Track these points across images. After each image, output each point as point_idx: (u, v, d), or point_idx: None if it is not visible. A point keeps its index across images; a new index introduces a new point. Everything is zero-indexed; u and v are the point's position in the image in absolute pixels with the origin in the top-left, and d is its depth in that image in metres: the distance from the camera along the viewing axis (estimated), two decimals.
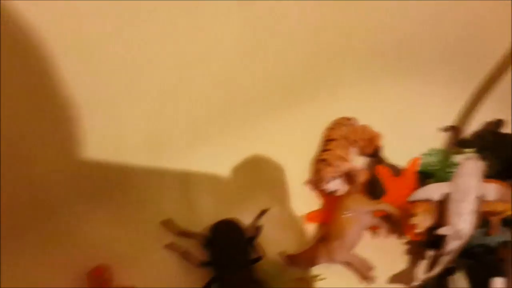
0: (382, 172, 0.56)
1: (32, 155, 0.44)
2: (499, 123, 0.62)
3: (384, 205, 0.53)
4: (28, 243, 0.47)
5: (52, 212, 0.48)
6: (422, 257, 0.52)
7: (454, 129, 0.63)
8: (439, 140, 0.63)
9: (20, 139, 0.43)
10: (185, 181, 0.54)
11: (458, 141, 0.62)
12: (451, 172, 0.54)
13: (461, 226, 0.49)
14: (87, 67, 0.43)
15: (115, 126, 0.49)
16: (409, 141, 0.61)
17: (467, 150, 0.60)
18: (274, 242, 0.52)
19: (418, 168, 0.57)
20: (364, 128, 0.59)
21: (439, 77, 0.65)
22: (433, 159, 0.60)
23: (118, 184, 0.51)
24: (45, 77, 0.41)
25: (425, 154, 0.60)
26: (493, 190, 0.50)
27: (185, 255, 0.49)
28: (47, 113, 0.43)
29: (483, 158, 0.55)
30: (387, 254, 0.54)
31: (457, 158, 0.57)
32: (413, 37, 0.62)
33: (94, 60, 0.43)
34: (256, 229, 0.52)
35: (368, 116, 0.61)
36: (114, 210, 0.50)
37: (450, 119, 0.64)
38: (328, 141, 0.58)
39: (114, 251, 0.48)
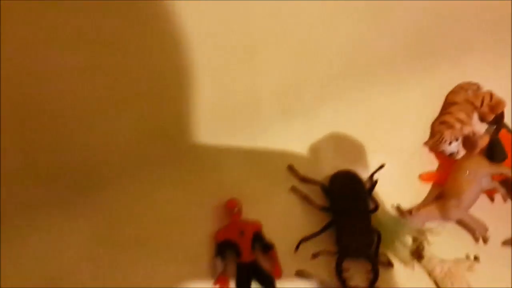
0: (506, 138, 0.56)
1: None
2: None
3: (504, 169, 0.53)
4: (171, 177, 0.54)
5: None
6: None
7: None
8: None
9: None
10: (310, 134, 0.58)
11: None
12: None
13: None
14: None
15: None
16: None
17: None
18: (389, 196, 0.55)
19: None
20: (488, 94, 0.59)
21: None
22: None
23: (252, 132, 0.56)
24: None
25: None
26: None
27: (306, 199, 0.54)
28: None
29: None
30: (503, 219, 0.54)
31: None
32: None
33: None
34: (373, 182, 0.55)
35: (494, 82, 0.61)
36: (248, 154, 0.56)
37: None
38: (450, 104, 0.60)
39: (246, 190, 0.53)
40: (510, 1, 0.61)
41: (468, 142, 0.57)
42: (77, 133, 0.49)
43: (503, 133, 0.57)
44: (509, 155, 0.56)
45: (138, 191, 0.53)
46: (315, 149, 0.58)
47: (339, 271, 0.49)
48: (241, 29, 0.50)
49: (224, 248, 0.49)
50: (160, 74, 0.49)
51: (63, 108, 0.47)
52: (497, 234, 0.53)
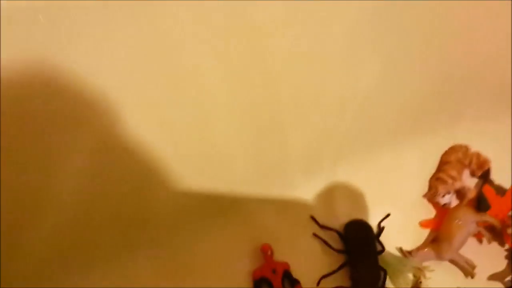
0: (488, 191, 0.69)
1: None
2: None
3: (487, 217, 0.66)
4: (211, 227, 0.68)
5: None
6: None
7: None
8: None
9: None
10: (328, 188, 0.72)
11: None
12: None
13: None
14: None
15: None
16: None
17: None
18: (393, 240, 0.68)
19: None
20: (476, 154, 0.72)
21: None
22: None
23: (281, 186, 0.70)
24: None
25: None
26: None
27: (325, 243, 0.67)
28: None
29: None
30: (488, 258, 0.66)
31: None
32: None
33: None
34: (380, 229, 0.68)
35: (483, 144, 0.74)
36: (278, 205, 0.70)
37: None
38: (444, 163, 0.72)
39: (276, 235, 0.67)
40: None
41: (459, 194, 0.69)
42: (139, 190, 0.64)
43: (486, 187, 0.69)
44: (494, 205, 0.68)
45: (182, 243, 0.68)
46: (332, 201, 0.72)
47: None
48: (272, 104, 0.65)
49: (260, 284, 0.63)
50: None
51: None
52: (483, 271, 0.65)
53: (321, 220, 0.68)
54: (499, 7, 0.66)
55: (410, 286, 0.63)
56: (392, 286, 0.63)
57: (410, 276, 0.64)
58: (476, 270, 0.64)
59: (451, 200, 0.69)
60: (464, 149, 0.73)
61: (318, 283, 0.63)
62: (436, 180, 0.71)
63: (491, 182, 0.71)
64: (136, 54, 0.50)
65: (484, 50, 0.70)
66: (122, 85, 0.51)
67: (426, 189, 0.72)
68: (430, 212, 0.71)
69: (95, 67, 0.48)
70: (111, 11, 0.46)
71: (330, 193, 0.72)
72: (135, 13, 0.47)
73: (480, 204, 0.68)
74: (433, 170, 0.73)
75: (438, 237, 0.66)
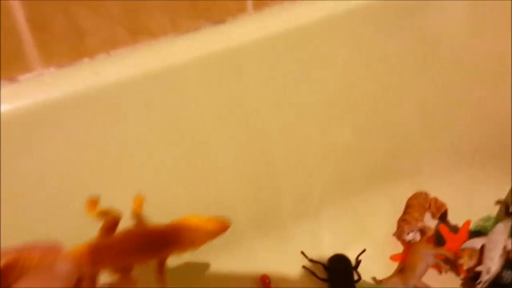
0: (443, 230, 0.85)
1: None
2: None
3: (443, 251, 0.81)
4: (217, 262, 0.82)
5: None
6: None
7: (503, 203, 0.89)
8: (493, 210, 0.90)
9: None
10: (315, 231, 0.87)
11: (506, 211, 0.88)
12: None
13: (492, 266, 0.76)
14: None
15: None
16: (470, 210, 0.88)
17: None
18: (368, 271, 0.83)
19: (470, 227, 0.85)
20: (434, 199, 0.89)
21: (491, 166, 0.92)
22: (485, 223, 0.86)
23: (275, 225, 0.85)
24: None
25: (481, 219, 0.87)
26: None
27: (313, 273, 0.82)
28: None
29: None
30: (446, 285, 0.81)
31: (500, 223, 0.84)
32: (468, 134, 0.91)
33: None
34: (357, 261, 0.83)
35: (440, 193, 0.90)
36: (275, 243, 0.84)
37: (503, 195, 0.91)
38: (408, 206, 0.88)
39: (274, 267, 0.82)
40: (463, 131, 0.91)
41: (421, 232, 0.85)
42: None
43: (443, 226, 0.85)
44: (449, 241, 0.84)
45: (189, 275, 0.82)
46: (318, 239, 0.87)
47: None
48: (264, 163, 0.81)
49: None
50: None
51: None
52: None
53: (309, 255, 0.83)
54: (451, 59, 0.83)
55: None
56: None
57: None
58: None
59: (415, 237, 0.84)
60: (424, 195, 0.89)
61: None
62: (402, 221, 0.86)
63: (447, 222, 0.87)
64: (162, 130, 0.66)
65: (437, 112, 0.88)
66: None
67: (395, 228, 0.88)
68: (398, 248, 0.86)
69: None
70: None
71: (316, 232, 0.87)
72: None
73: (437, 240, 0.83)
74: (400, 213, 0.89)
75: (404, 268, 0.81)
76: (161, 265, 0.38)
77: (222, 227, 0.43)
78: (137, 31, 0.61)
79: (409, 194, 0.90)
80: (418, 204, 0.88)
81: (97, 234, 0.39)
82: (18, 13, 0.55)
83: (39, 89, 0.59)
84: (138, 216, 0.42)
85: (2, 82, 0.58)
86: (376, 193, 0.91)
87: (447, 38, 0.78)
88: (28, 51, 0.58)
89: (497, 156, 0.93)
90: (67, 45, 0.59)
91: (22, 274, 0.30)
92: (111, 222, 0.39)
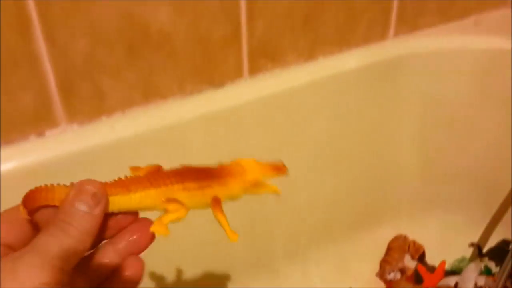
0: (421, 269, 0.93)
1: None
2: (506, 242, 0.96)
3: None
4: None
5: None
6: None
7: (476, 245, 0.98)
8: (467, 252, 0.98)
9: None
10: (305, 269, 0.95)
11: (479, 253, 0.97)
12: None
13: None
14: None
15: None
16: (446, 251, 0.97)
17: (483, 259, 0.95)
18: None
19: (445, 267, 0.93)
20: (413, 242, 0.97)
21: (465, 211, 1.01)
22: (460, 264, 0.95)
23: (268, 266, 0.93)
24: None
25: (456, 260, 0.96)
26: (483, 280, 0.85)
27: None
28: None
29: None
30: None
31: (471, 263, 0.92)
32: (452, 176, 1.01)
33: None
34: None
35: (418, 236, 0.99)
36: (268, 282, 0.92)
37: (476, 238, 1.00)
38: (389, 248, 0.97)
39: None
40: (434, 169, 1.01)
41: (401, 272, 0.93)
42: None
43: (420, 266, 0.94)
44: (426, 279, 0.92)
45: None
46: (307, 278, 0.94)
47: None
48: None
49: None
50: None
51: None
52: None
53: None
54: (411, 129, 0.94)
55: None
56: None
57: None
58: None
59: (395, 276, 0.92)
60: (404, 238, 0.98)
61: None
62: (384, 262, 0.95)
63: (425, 263, 0.95)
64: None
65: (413, 164, 0.98)
66: None
67: (377, 268, 0.96)
68: (381, 286, 0.94)
69: None
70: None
71: (305, 272, 0.95)
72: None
73: (416, 278, 0.91)
74: (382, 254, 0.97)
75: None
76: (216, 204, 0.35)
77: (277, 169, 0.39)
78: (149, 93, 0.71)
79: (390, 237, 0.99)
80: (398, 246, 0.96)
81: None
82: (50, 76, 0.64)
83: (63, 143, 0.68)
84: None
85: (30, 137, 0.67)
86: (360, 237, 1.00)
87: (418, 97, 0.89)
88: (56, 110, 0.67)
89: (470, 203, 1.02)
90: (89, 105, 0.68)
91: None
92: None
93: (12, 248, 0.28)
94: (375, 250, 0.98)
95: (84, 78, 0.66)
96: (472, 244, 0.97)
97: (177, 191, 0.33)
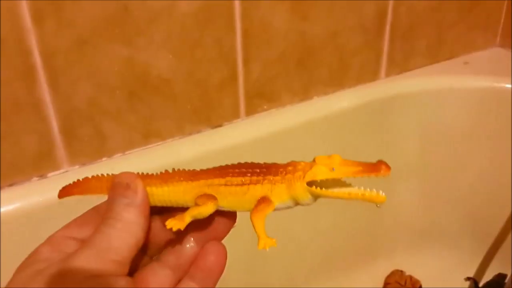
0: None
1: None
2: (502, 275, 0.97)
3: None
4: None
5: None
6: None
7: (472, 279, 0.99)
8: (464, 286, 0.99)
9: None
10: None
11: (475, 287, 0.98)
12: None
13: None
14: None
15: None
16: (442, 285, 0.98)
17: None
18: None
19: None
20: (409, 276, 0.98)
21: (461, 244, 1.03)
22: None
23: None
24: None
25: None
26: None
27: None
28: None
29: None
30: None
31: None
32: (438, 216, 1.03)
33: None
34: None
35: (415, 271, 1.00)
36: None
37: (472, 272, 1.01)
38: (386, 283, 0.98)
39: None
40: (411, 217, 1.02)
41: None
42: None
43: None
44: None
45: None
46: None
47: None
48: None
49: None
50: None
51: None
52: None
53: None
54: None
55: None
56: None
57: None
58: None
59: None
60: (400, 273, 0.99)
61: None
62: None
63: None
64: None
65: (408, 200, 1.00)
66: None
67: None
68: None
69: None
70: None
71: None
72: None
73: None
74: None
75: None
76: (260, 204, 0.30)
77: (373, 168, 0.30)
78: (148, 135, 0.73)
79: (387, 272, 1.00)
80: (394, 281, 0.97)
81: None
82: (53, 120, 0.67)
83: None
84: None
85: (33, 179, 0.69)
86: (357, 271, 1.01)
87: (410, 135, 0.92)
88: (58, 152, 0.69)
89: (466, 237, 1.04)
90: (90, 147, 0.70)
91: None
92: None
93: None
94: (372, 285, 0.99)
95: (86, 121, 0.68)
96: (468, 278, 0.99)
97: (218, 186, 0.30)
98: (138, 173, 0.31)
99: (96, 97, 0.67)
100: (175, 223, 0.29)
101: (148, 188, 0.30)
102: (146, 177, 0.31)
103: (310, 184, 0.30)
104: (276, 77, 0.78)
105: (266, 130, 0.78)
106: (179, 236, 0.32)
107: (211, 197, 0.30)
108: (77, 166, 0.71)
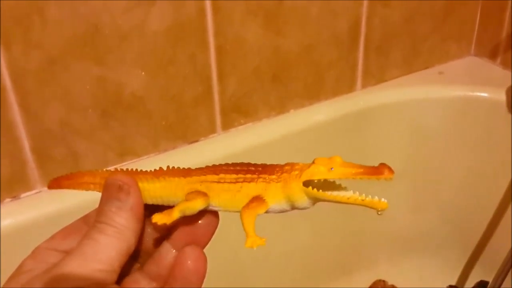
0: None
1: None
2: (484, 282, 0.98)
3: None
4: None
5: None
6: None
7: (454, 287, 0.99)
8: None
9: None
10: None
11: None
12: None
13: None
14: None
15: None
16: None
17: None
18: None
19: None
20: (392, 286, 0.98)
21: (443, 253, 1.03)
22: None
23: None
24: None
25: None
26: None
27: None
28: None
29: None
30: None
31: None
32: (420, 225, 1.03)
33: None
34: None
35: (397, 280, 1.00)
36: None
37: (453, 280, 1.01)
38: None
39: None
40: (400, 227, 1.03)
41: None
42: None
43: None
44: None
45: None
46: None
47: None
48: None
49: None
50: None
51: None
52: None
53: None
54: None
55: None
56: None
57: None
58: None
59: None
60: (383, 282, 0.99)
61: None
62: None
63: None
64: None
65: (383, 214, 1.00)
66: None
67: None
68: None
69: None
70: None
71: None
72: None
73: None
74: None
75: None
76: (252, 202, 0.29)
77: (374, 171, 0.29)
78: (123, 153, 0.73)
79: (370, 282, 1.00)
80: None
81: None
82: (24, 142, 0.66)
83: (38, 205, 0.69)
84: None
85: (5, 200, 0.68)
86: (340, 282, 1.00)
87: (387, 145, 0.92)
88: (31, 173, 0.68)
89: (447, 245, 1.04)
90: (64, 167, 0.69)
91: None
92: None
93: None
94: None
95: (59, 141, 0.67)
96: (450, 286, 0.99)
97: (211, 183, 0.29)
98: (131, 169, 0.30)
99: (68, 117, 0.66)
100: (161, 217, 0.28)
101: (139, 184, 0.29)
102: (138, 173, 0.30)
103: (307, 184, 0.28)
104: (252, 91, 0.78)
105: (243, 144, 0.78)
106: (159, 244, 0.30)
107: (202, 193, 0.29)
108: None
